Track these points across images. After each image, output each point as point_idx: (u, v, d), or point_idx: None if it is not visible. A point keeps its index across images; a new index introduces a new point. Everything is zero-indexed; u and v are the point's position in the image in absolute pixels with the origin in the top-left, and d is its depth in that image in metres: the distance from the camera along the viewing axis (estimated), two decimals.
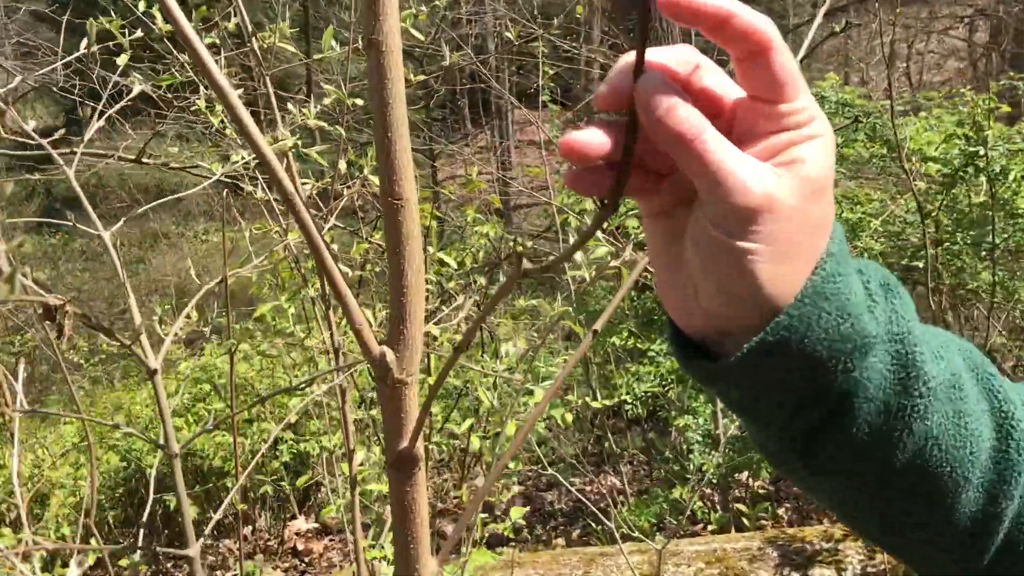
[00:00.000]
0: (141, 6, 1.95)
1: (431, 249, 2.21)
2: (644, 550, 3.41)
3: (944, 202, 4.37)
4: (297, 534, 4.98)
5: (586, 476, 5.02)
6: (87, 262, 12.80)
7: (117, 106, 1.52)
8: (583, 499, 2.90)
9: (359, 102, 1.94)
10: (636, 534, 2.82)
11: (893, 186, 5.18)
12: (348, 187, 2.12)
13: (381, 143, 1.07)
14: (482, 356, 4.08)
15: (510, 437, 2.04)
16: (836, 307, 0.53)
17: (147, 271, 13.25)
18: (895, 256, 4.62)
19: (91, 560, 4.04)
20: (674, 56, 0.55)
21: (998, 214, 4.09)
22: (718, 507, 4.36)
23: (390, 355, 1.11)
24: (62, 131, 1.40)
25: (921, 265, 4.40)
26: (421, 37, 1.83)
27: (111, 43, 1.69)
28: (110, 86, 1.83)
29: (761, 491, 4.51)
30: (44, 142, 1.35)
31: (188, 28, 1.01)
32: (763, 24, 0.52)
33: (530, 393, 1.84)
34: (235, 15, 2.06)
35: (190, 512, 3.83)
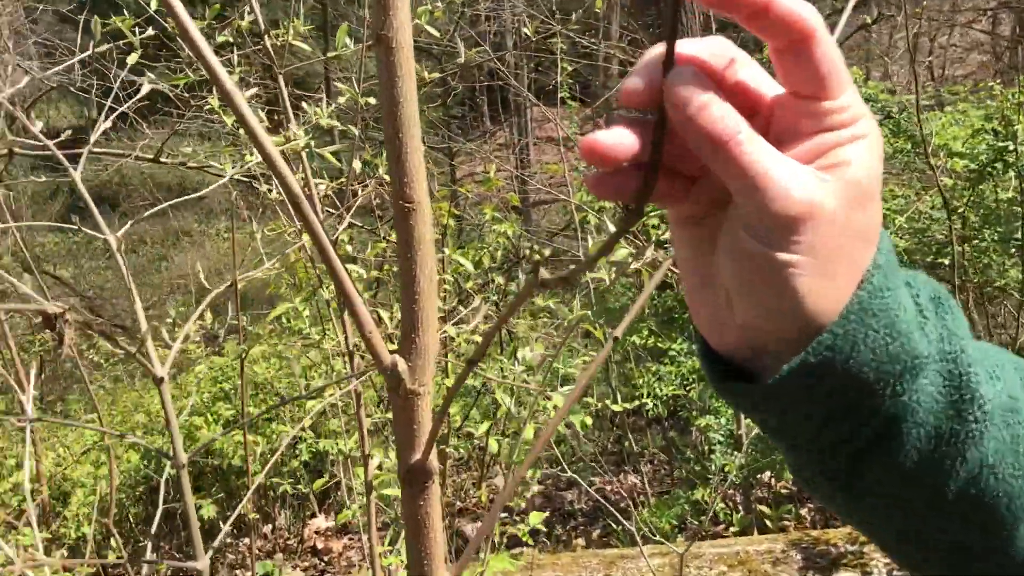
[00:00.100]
0: (153, 4, 1.92)
1: (447, 250, 2.17)
2: (665, 552, 3.36)
3: (971, 198, 4.29)
4: (317, 533, 4.97)
5: (606, 476, 4.98)
6: (110, 260, 12.88)
7: (124, 106, 1.49)
8: (603, 501, 2.86)
9: (373, 101, 1.90)
10: (657, 537, 2.78)
11: (918, 182, 5.09)
12: (364, 187, 2.09)
13: (391, 144, 1.03)
14: (500, 355, 4.04)
15: (528, 441, 2.01)
16: (884, 324, 0.48)
17: (169, 269, 13.32)
18: (920, 253, 4.54)
19: (111, 559, 4.04)
20: (707, 48, 0.50)
21: None
22: (740, 508, 4.30)
23: (402, 365, 1.07)
24: (68, 132, 1.38)
25: (947, 262, 4.32)
26: (437, 34, 1.79)
27: (122, 41, 1.66)
28: (118, 85, 1.81)
29: (784, 491, 4.45)
30: (50, 143, 1.33)
31: (188, 22, 0.98)
32: (806, 12, 0.47)
33: (548, 398, 1.80)
34: (249, 12, 2.03)
35: (209, 513, 3.81)
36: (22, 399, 3.41)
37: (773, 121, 0.52)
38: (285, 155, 1.93)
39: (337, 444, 2.92)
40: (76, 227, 1.34)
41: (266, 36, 1.80)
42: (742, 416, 3.93)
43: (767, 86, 0.53)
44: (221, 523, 4.64)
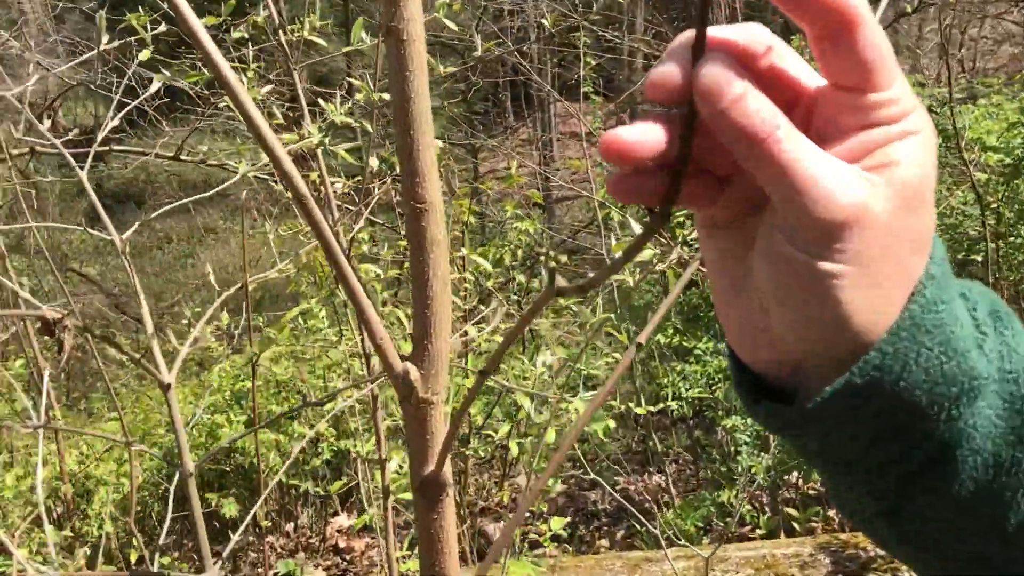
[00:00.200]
0: None
1: (464, 250, 2.13)
2: (690, 555, 3.31)
3: (1005, 193, 4.18)
4: (339, 532, 4.95)
5: (630, 476, 4.92)
6: (136, 258, 12.97)
7: (133, 103, 1.46)
8: (626, 504, 2.81)
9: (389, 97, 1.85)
10: (681, 541, 2.72)
11: (949, 176, 4.99)
12: (383, 183, 2.05)
13: (402, 141, 0.98)
14: (522, 353, 4.00)
15: (549, 444, 1.96)
16: (939, 342, 0.44)
17: (195, 266, 13.39)
18: (952, 249, 4.44)
19: (133, 558, 4.05)
20: (742, 34, 0.45)
21: None
22: (767, 509, 4.23)
23: (414, 372, 1.03)
24: (75, 130, 1.34)
25: (980, 259, 4.23)
26: (455, 28, 1.75)
27: (135, 38, 1.63)
28: (127, 81, 1.77)
29: (812, 493, 4.37)
30: (57, 142, 1.30)
31: (191, 16, 0.94)
32: None
33: (568, 403, 1.75)
34: (264, 8, 1.99)
35: (231, 511, 3.79)
36: (44, 400, 3.40)
37: (814, 116, 0.47)
38: (304, 153, 1.90)
39: (356, 445, 2.89)
40: (81, 228, 1.31)
41: (280, 32, 1.76)
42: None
43: (807, 77, 0.47)
44: (245, 522, 4.62)
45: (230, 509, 4.36)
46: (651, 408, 2.50)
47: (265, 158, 1.98)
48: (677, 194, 0.46)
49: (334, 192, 1.74)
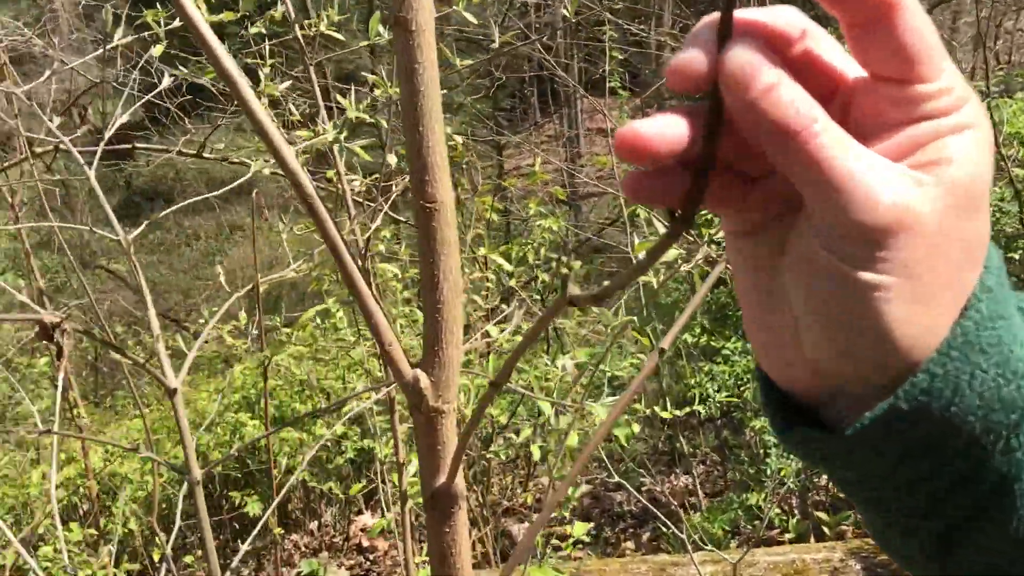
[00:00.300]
0: None
1: (483, 249, 2.08)
2: (717, 560, 3.24)
3: None
4: (362, 530, 4.93)
5: (656, 478, 4.86)
6: (164, 255, 13.08)
7: (144, 99, 1.43)
8: (651, 507, 2.76)
9: None
10: (708, 546, 2.67)
11: None
12: (401, 181, 2.01)
13: (411, 138, 0.93)
14: (546, 352, 3.95)
15: (571, 448, 1.91)
16: (996, 363, 0.39)
17: (223, 263, 13.47)
18: None
19: (156, 556, 4.06)
20: (773, 17, 0.40)
21: None
22: (796, 513, 4.15)
23: (424, 380, 0.98)
24: (86, 127, 1.31)
25: (1017, 257, 4.13)
26: (475, 20, 1.70)
27: (147, 33, 1.60)
28: (137, 78, 1.75)
29: (842, 496, 4.28)
30: (65, 139, 1.27)
31: (188, 5, 0.89)
32: None
33: (590, 407, 1.70)
34: (281, 3, 1.96)
35: (255, 510, 3.78)
36: (71, 397, 3.41)
37: (853, 109, 0.42)
38: (325, 150, 1.86)
39: (375, 446, 2.85)
40: (89, 228, 1.28)
41: (296, 26, 1.73)
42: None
43: (846, 66, 0.42)
44: (268, 519, 4.64)
45: (253, 508, 4.35)
46: (677, 412, 2.44)
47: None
48: (701, 195, 0.41)
49: (351, 190, 1.70)
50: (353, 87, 1.73)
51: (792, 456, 3.65)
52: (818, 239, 0.39)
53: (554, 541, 2.30)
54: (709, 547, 2.69)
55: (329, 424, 3.49)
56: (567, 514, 2.42)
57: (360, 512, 5.06)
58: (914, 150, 0.39)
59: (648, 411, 2.30)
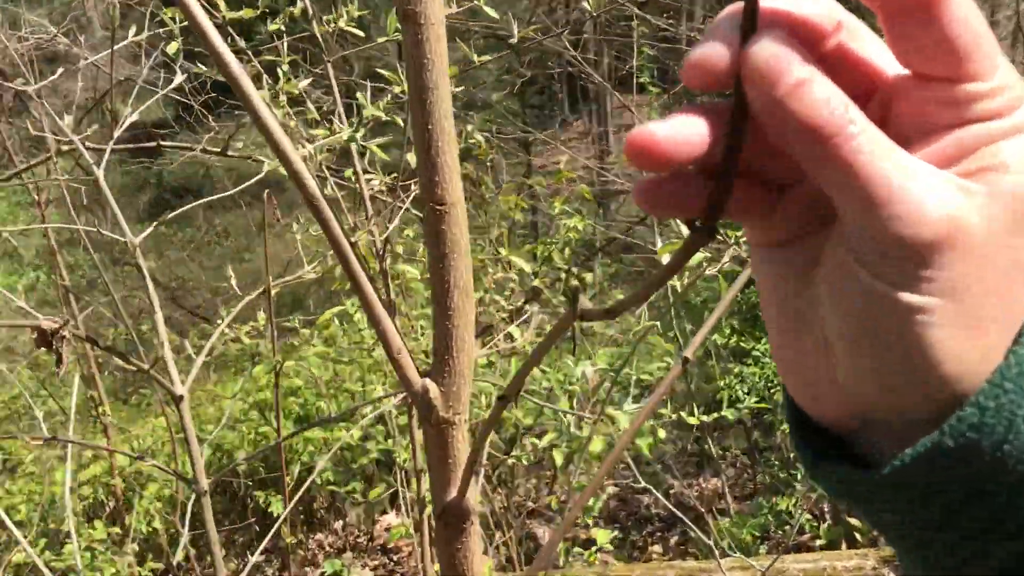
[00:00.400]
0: None
1: (503, 250, 2.04)
2: (746, 567, 3.18)
3: None
4: (387, 530, 4.91)
5: (684, 480, 4.79)
6: (194, 252, 13.16)
7: (153, 99, 1.40)
8: (678, 512, 2.70)
9: None
10: (736, 553, 2.61)
11: None
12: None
13: (420, 137, 0.89)
14: (573, 353, 3.89)
15: (593, 454, 1.86)
16: None
17: (251, 260, 13.53)
18: None
19: (180, 556, 4.06)
20: (805, 6, 0.36)
21: None
22: (827, 517, 4.07)
23: (434, 390, 0.94)
24: (94, 127, 1.29)
25: None
26: (495, 15, 1.65)
27: (161, 30, 1.57)
28: (154, 74, 1.72)
29: None
30: (76, 139, 1.24)
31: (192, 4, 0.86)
32: None
33: (611, 416, 1.66)
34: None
35: (278, 509, 3.77)
36: (95, 395, 3.41)
37: (894, 110, 0.37)
38: (347, 147, 1.82)
39: (395, 450, 2.83)
40: (95, 229, 1.26)
41: (314, 23, 1.70)
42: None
43: (886, 62, 0.38)
44: (292, 518, 4.64)
45: (277, 507, 4.35)
46: (704, 418, 2.38)
47: (304, 151, 1.91)
48: (724, 205, 0.37)
49: (369, 189, 1.67)
50: (369, 84, 1.69)
51: None
52: (853, 255, 0.35)
53: (576, 549, 2.26)
54: (737, 553, 2.64)
55: (348, 427, 3.46)
56: (590, 521, 2.37)
57: (385, 512, 5.05)
58: (963, 156, 0.35)
59: (674, 416, 2.24)
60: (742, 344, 4.26)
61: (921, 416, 0.35)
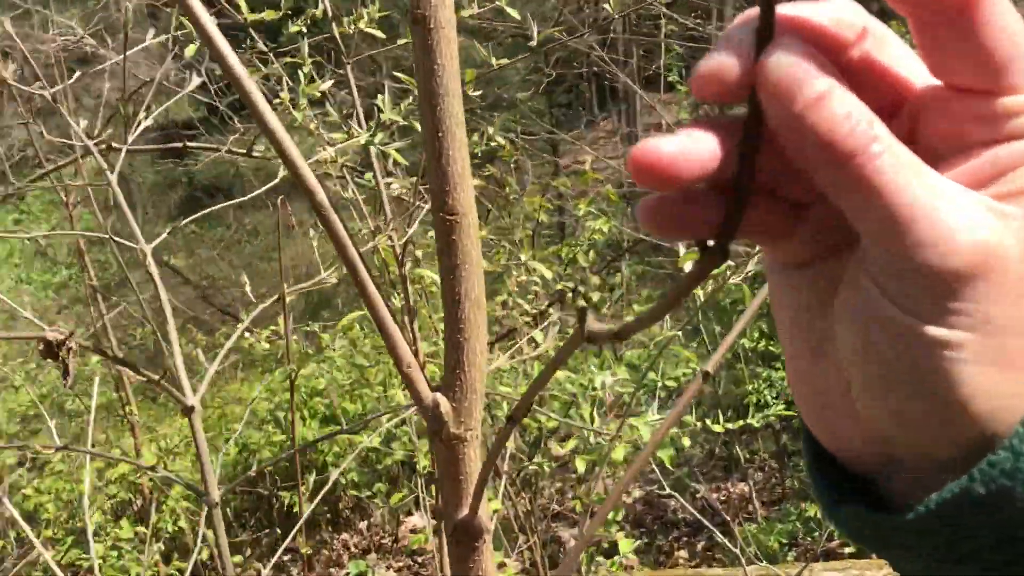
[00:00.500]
0: None
1: (523, 256, 2.01)
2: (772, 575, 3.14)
3: None
4: (412, 531, 4.90)
5: (712, 484, 4.74)
6: (224, 251, 13.27)
7: (171, 100, 1.39)
8: (703, 519, 2.67)
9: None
10: (763, 561, 2.57)
11: None
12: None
13: (431, 145, 0.86)
14: (598, 356, 3.87)
15: (616, 461, 1.83)
16: None
17: (280, 259, 13.60)
18: None
19: (205, 556, 4.07)
20: (826, 13, 0.33)
21: None
22: None
23: (444, 404, 0.91)
24: (109, 131, 1.28)
25: None
26: (517, 15, 1.63)
27: (178, 33, 1.56)
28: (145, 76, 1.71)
29: None
30: (90, 143, 1.23)
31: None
32: None
33: (634, 428, 1.62)
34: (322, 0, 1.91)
35: (305, 508, 3.78)
36: (123, 394, 3.41)
37: (923, 125, 0.34)
38: (369, 150, 1.81)
39: (416, 455, 2.82)
40: (108, 235, 1.25)
41: (333, 25, 1.68)
42: None
43: (915, 72, 0.34)
44: (317, 518, 4.66)
45: (303, 508, 4.35)
46: (729, 425, 2.34)
47: (325, 154, 1.89)
48: (737, 225, 0.34)
49: (388, 193, 1.65)
50: (389, 86, 1.67)
51: None
52: (875, 283, 0.32)
53: (599, 558, 2.23)
54: (763, 562, 2.60)
55: (370, 432, 3.46)
56: (613, 529, 2.34)
57: (410, 513, 5.04)
58: (998, 176, 0.32)
59: (699, 424, 2.21)
60: (771, 348, 4.20)
61: (949, 455, 0.32)
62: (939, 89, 0.33)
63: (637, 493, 4.57)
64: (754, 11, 0.32)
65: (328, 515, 4.89)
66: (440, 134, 0.86)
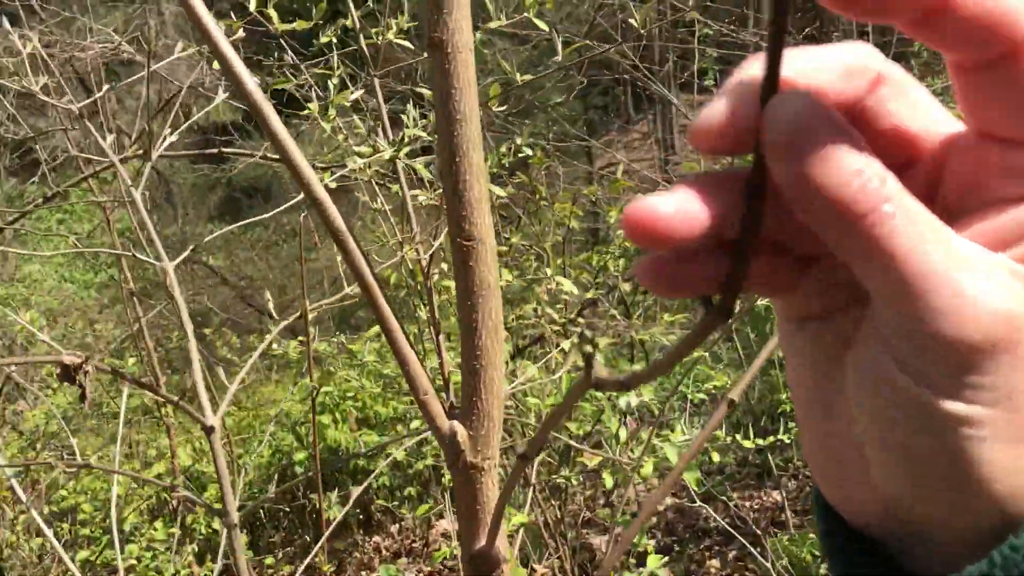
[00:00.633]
0: (252, 4, 1.83)
1: (549, 270, 1.99)
2: None
3: None
4: (443, 535, 4.90)
5: (745, 493, 4.68)
6: (263, 251, 13.40)
7: (202, 112, 1.39)
8: (732, 531, 2.63)
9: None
10: (793, 573, 2.53)
11: None
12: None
13: (447, 170, 0.85)
14: (631, 362, 3.83)
15: (646, 476, 1.81)
16: None
17: (317, 260, 13.71)
18: None
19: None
20: (837, 60, 0.31)
21: None
22: None
23: (461, 432, 0.90)
24: (135, 146, 1.28)
25: None
26: (544, 27, 1.61)
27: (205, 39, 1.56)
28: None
29: None
30: (115, 158, 1.24)
31: (203, 12, 0.83)
32: (1014, 6, 0.27)
33: (659, 448, 1.60)
34: (352, 13, 1.91)
35: (335, 513, 3.77)
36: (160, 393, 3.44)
37: (946, 177, 0.32)
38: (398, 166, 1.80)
39: (442, 468, 2.81)
40: (131, 253, 1.25)
41: (360, 36, 1.67)
42: None
43: (935, 120, 0.32)
44: (348, 520, 4.67)
45: (334, 512, 4.37)
46: (760, 441, 2.30)
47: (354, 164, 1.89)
48: (742, 282, 0.32)
49: (413, 205, 1.64)
50: (414, 99, 1.66)
51: None
52: (888, 351, 0.30)
53: (626, 573, 2.20)
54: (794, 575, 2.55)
55: (397, 433, 3.46)
56: (644, 540, 2.31)
57: (442, 516, 5.04)
58: (1023, 236, 0.29)
59: (730, 439, 2.17)
60: None
61: (967, 529, 0.31)
62: (965, 138, 0.31)
63: (669, 501, 4.53)
64: (759, 58, 0.30)
65: (360, 517, 4.90)
66: (457, 159, 0.84)
